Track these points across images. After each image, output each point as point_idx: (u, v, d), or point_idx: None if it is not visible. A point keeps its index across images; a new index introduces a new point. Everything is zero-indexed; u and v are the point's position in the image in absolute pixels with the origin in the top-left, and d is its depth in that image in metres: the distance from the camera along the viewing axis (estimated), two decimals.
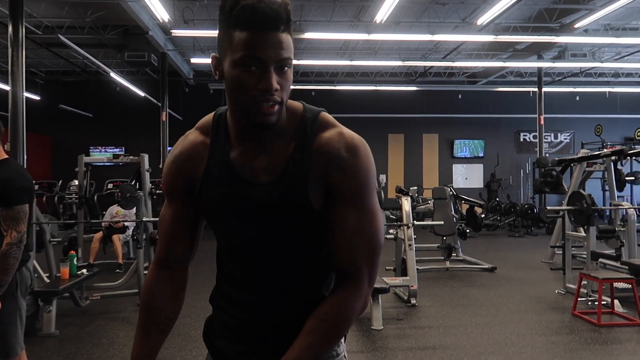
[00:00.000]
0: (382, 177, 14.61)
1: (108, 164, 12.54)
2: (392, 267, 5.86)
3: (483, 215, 10.83)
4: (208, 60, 10.08)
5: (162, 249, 1.18)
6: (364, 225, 1.04)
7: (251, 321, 1.11)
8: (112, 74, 11.32)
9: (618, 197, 7.03)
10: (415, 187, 12.15)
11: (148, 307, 1.18)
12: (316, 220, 1.05)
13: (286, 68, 0.97)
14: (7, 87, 5.39)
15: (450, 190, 7.65)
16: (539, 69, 12.95)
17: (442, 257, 7.13)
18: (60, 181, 11.39)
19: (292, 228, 1.06)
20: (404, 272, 5.35)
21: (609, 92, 14.76)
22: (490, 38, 9.76)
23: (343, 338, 1.15)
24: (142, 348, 1.17)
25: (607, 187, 11.01)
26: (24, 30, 5.45)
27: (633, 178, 10.46)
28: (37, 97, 12.98)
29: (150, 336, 1.18)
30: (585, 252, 6.03)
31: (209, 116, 1.15)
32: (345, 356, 1.15)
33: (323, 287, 1.11)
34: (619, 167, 7.46)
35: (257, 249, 1.08)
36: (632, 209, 6.12)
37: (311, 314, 1.05)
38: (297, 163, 1.03)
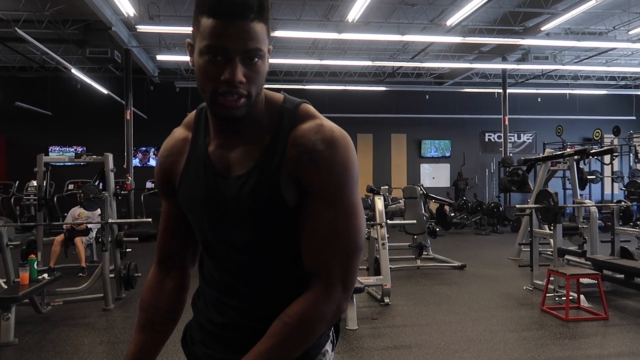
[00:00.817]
0: None
1: (69, 163, 12.09)
2: (365, 267, 5.85)
3: (452, 214, 10.98)
4: (174, 58, 9.91)
5: (158, 247, 1.17)
6: (339, 224, 0.96)
7: (229, 325, 1.05)
8: (73, 71, 10.88)
9: (580, 195, 7.25)
10: (386, 187, 12.22)
11: (145, 303, 1.15)
12: (291, 218, 0.98)
13: (256, 59, 0.91)
14: None
15: (421, 190, 7.71)
16: (504, 71, 13.27)
17: (413, 256, 7.18)
18: (17, 182, 10.90)
19: (265, 225, 0.99)
20: (377, 272, 5.34)
21: (569, 94, 15.26)
22: (457, 39, 9.91)
23: (330, 345, 1.08)
24: (136, 346, 1.14)
25: (568, 186, 11.39)
26: None
27: (594, 177, 10.85)
28: None
29: (146, 334, 1.14)
30: (550, 249, 6.19)
31: (191, 114, 1.11)
32: None
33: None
34: (581, 166, 7.71)
35: (233, 248, 1.02)
36: (594, 207, 6.31)
37: (278, 316, 0.98)
38: (269, 156, 0.96)
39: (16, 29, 8.13)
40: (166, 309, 1.15)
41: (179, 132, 1.12)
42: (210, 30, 0.88)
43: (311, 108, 1.02)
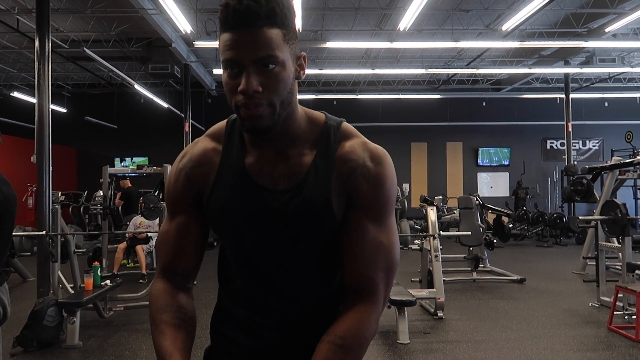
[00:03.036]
0: (406, 186, 14.44)
1: (132, 174, 12.71)
2: (417, 279, 5.73)
3: (510, 225, 10.56)
4: None
5: (167, 265, 1.05)
6: (383, 239, 0.98)
7: (265, 350, 1.02)
8: (136, 86, 11.48)
9: None
10: (440, 197, 11.96)
11: (165, 306, 1.01)
12: (336, 232, 0.98)
13: (271, 66, 0.88)
14: (34, 100, 5.47)
15: (477, 200, 7.47)
16: (566, 75, 12.65)
17: (469, 268, 6.95)
18: (86, 192, 11.57)
19: (312, 238, 0.98)
20: (430, 284, 5.21)
21: (639, 97, 14.34)
22: (515, 44, 9.58)
23: None
24: (177, 342, 0.96)
25: (639, 196, 10.66)
26: (50, 44, 5.53)
27: None
28: (63, 110, 13.27)
29: (182, 332, 0.98)
30: (619, 264, 5.80)
31: (221, 123, 1.08)
32: None
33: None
34: None
35: (272, 262, 1.00)
36: None
37: (324, 337, 0.93)
38: (319, 170, 0.97)
39: (85, 49, 8.68)
40: (191, 311, 1.04)
41: (206, 143, 1.06)
42: (224, 44, 0.90)
43: (351, 126, 1.04)
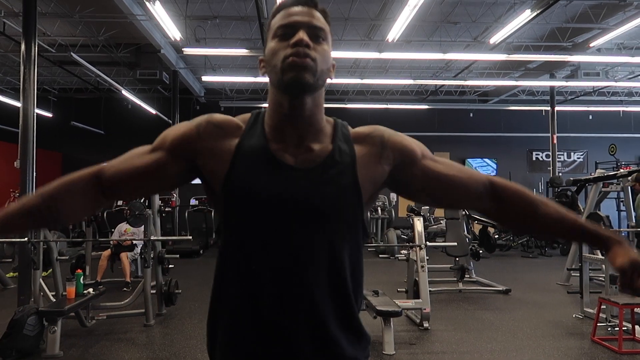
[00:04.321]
0: (393, 195, 14.48)
1: None
2: (403, 289, 5.72)
3: (496, 236, 10.63)
4: (219, 79, 10.17)
5: (105, 167, 1.08)
6: (447, 162, 1.14)
7: (286, 337, 0.96)
8: (124, 92, 11.40)
9: (634, 218, 6.87)
10: (427, 207, 12.01)
11: (48, 189, 1.03)
12: (361, 217, 1.02)
13: (321, 39, 1.01)
14: (18, 104, 5.40)
15: (463, 210, 7.51)
16: (552, 88, 12.85)
17: (455, 279, 6.97)
18: None
19: (336, 217, 0.98)
20: (416, 295, 5.21)
21: (622, 111, 14.60)
22: (502, 57, 9.72)
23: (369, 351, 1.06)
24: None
25: (623, 208, 10.81)
26: (36, 48, 5.48)
27: None
28: (49, 114, 13.11)
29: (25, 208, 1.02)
30: (603, 275, 5.86)
31: (244, 114, 1.11)
32: None
33: (355, 306, 1.03)
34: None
35: (294, 241, 0.96)
36: None
37: (537, 213, 1.08)
38: (342, 151, 1.03)
39: (72, 53, 8.61)
40: (60, 205, 1.04)
41: (231, 118, 1.09)
42: (281, 18, 1.01)
43: None
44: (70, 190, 1.05)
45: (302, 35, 0.97)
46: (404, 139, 1.11)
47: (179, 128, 1.07)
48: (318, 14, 1.01)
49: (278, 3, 1.05)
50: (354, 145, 1.06)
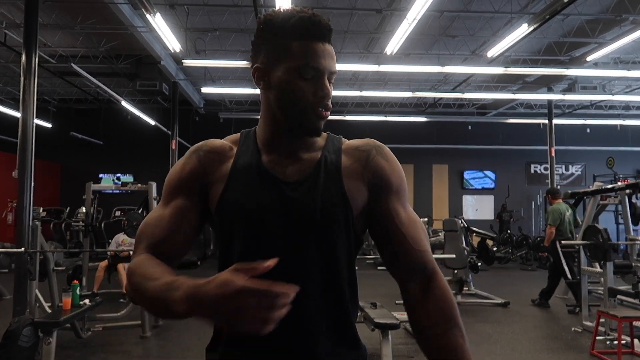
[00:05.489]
0: None
1: (116, 191, 12.56)
2: (401, 302, 5.69)
3: (495, 248, 10.61)
4: (218, 90, 10.20)
5: (153, 244, 0.98)
6: (414, 216, 1.06)
7: (281, 351, 0.97)
8: (124, 103, 11.44)
9: (633, 230, 6.86)
10: (425, 219, 12.00)
11: (146, 271, 0.90)
12: (348, 219, 1.01)
13: (332, 80, 1.03)
14: (18, 114, 5.41)
15: (462, 222, 7.51)
16: (549, 101, 12.92)
17: (454, 291, 6.94)
18: (68, 208, 11.40)
19: (326, 228, 0.99)
20: None
21: (620, 124, 14.66)
22: (500, 70, 9.78)
23: None
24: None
25: (621, 221, 10.81)
26: (37, 59, 5.50)
27: None
28: (48, 125, 13.13)
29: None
30: (601, 288, 5.84)
31: (236, 134, 1.13)
32: None
33: (351, 313, 1.03)
34: (633, 200, 7.31)
35: (287, 254, 0.96)
36: None
37: (437, 329, 0.96)
38: (328, 162, 1.04)
39: (72, 64, 8.65)
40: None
41: (222, 141, 1.10)
42: (306, 51, 0.98)
43: None
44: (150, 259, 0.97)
45: (329, 89, 1.00)
46: (388, 164, 1.06)
47: (183, 169, 1.05)
48: (333, 51, 1.02)
49: (297, 20, 0.98)
50: (342, 155, 1.06)
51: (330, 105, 1.02)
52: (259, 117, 1.11)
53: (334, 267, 1.00)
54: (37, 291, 4.74)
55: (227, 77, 11.57)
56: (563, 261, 6.59)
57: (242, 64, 9.07)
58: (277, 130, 1.05)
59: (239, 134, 1.12)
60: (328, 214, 0.99)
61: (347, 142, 1.11)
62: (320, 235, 0.99)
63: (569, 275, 6.47)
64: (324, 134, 1.11)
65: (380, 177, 1.04)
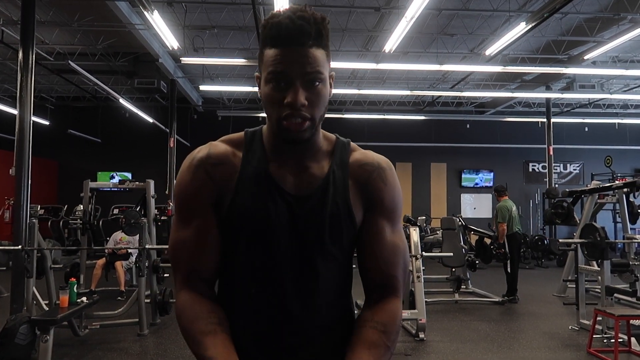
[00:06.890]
0: None
1: (114, 189, 12.54)
2: None
3: (493, 246, 10.61)
4: (217, 88, 10.18)
5: (189, 273, 1.02)
6: (399, 242, 1.07)
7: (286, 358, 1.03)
8: (122, 100, 11.40)
9: (630, 229, 6.88)
10: (423, 217, 12.01)
11: (197, 313, 0.98)
12: (354, 235, 1.05)
13: (317, 83, 0.96)
14: (15, 112, 5.39)
15: (459, 221, 7.52)
16: (548, 100, 12.92)
17: (451, 289, 6.95)
18: (66, 206, 11.37)
19: (333, 241, 1.02)
20: (412, 305, 5.19)
21: (618, 123, 14.69)
22: (498, 69, 9.78)
23: None
24: (216, 349, 0.93)
25: (619, 219, 10.83)
26: (34, 56, 5.48)
27: None
28: (46, 122, 13.09)
29: (217, 337, 0.96)
30: (599, 287, 5.86)
31: (238, 133, 1.10)
32: None
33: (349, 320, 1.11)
34: (631, 199, 7.33)
35: (293, 265, 1.01)
36: None
37: (363, 323, 1.02)
38: (336, 177, 1.04)
39: (70, 62, 8.62)
40: (222, 315, 1.01)
41: (224, 145, 1.06)
42: (272, 58, 0.94)
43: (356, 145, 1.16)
44: (201, 302, 1.01)
45: (295, 96, 0.93)
46: (386, 187, 1.07)
47: (194, 186, 1.02)
48: (312, 52, 0.94)
49: (269, 28, 0.95)
50: (349, 167, 1.06)
51: (308, 114, 0.95)
52: (257, 115, 1.11)
53: (339, 280, 1.06)
54: (34, 289, 4.73)
55: (225, 75, 11.55)
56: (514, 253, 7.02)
57: (240, 61, 9.05)
58: (279, 141, 1.03)
59: (241, 133, 1.09)
60: (335, 232, 1.02)
61: (354, 155, 1.09)
62: (326, 251, 1.02)
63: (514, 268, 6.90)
64: (332, 138, 1.10)
65: (373, 198, 1.05)
